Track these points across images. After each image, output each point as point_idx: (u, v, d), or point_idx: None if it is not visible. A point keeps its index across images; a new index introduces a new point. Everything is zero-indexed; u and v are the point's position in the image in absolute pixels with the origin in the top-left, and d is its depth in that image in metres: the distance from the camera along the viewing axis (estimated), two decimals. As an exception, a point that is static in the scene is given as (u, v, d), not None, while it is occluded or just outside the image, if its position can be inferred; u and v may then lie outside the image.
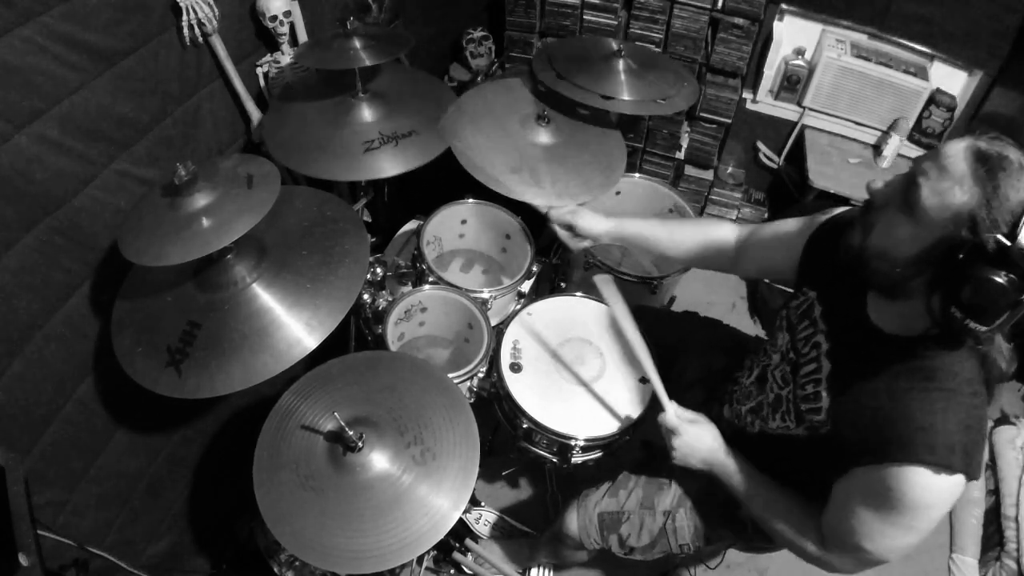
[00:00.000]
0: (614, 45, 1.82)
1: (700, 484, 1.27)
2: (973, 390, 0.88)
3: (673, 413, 1.19)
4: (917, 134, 2.21)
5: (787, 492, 1.10)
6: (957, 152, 0.80)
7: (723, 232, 1.33)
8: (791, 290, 1.17)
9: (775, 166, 2.51)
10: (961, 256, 0.77)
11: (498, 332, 1.53)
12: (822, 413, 1.01)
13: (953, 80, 2.15)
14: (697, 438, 1.18)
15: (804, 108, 2.29)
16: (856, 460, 0.93)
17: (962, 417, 0.86)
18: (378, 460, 1.08)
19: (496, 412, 1.53)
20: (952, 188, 0.78)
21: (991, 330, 0.79)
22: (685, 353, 1.51)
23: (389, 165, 1.44)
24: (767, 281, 2.40)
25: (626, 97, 1.72)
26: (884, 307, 0.94)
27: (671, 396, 1.21)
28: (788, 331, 1.13)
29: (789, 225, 1.20)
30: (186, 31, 1.28)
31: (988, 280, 0.75)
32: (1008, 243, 0.74)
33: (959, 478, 0.85)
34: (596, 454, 1.45)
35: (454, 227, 1.85)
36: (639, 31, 2.21)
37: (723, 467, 1.15)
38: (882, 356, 0.93)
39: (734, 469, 1.14)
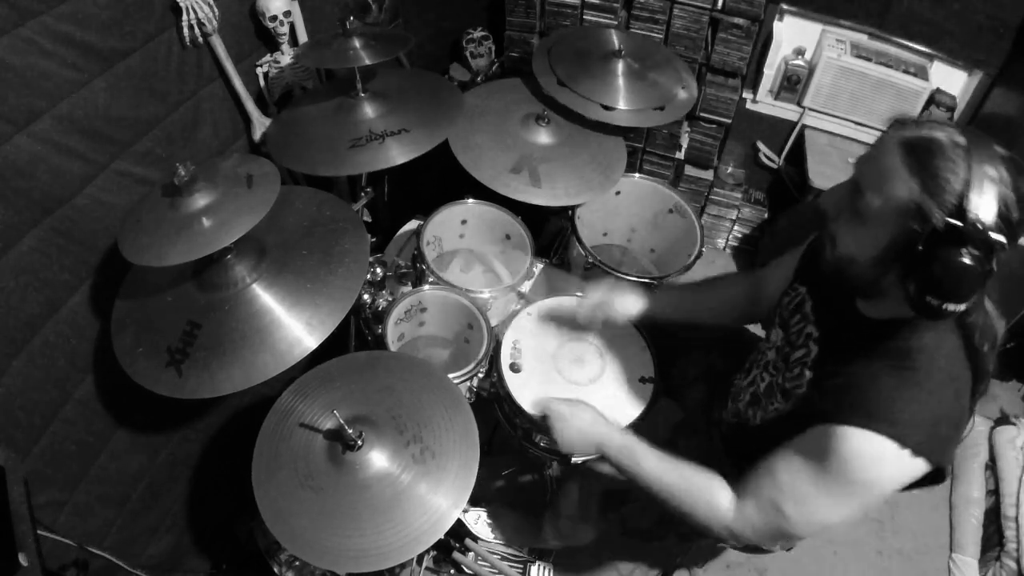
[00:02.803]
0: (616, 42, 1.82)
1: None
2: (947, 375, 0.87)
3: (542, 397, 1.18)
4: (917, 134, 2.21)
5: (686, 460, 1.06)
6: (887, 149, 0.81)
7: (738, 281, 1.37)
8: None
9: (775, 166, 2.51)
10: (920, 247, 0.78)
11: (498, 332, 1.53)
12: (804, 387, 1.02)
13: (953, 80, 2.15)
14: (573, 415, 1.16)
15: (804, 108, 2.29)
16: (815, 419, 0.91)
17: (932, 401, 0.84)
18: (377, 459, 1.08)
19: (496, 412, 1.52)
20: (890, 185, 0.79)
21: (972, 304, 0.80)
22: (687, 350, 1.51)
23: (378, 160, 1.43)
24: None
25: (624, 106, 1.72)
26: (871, 304, 0.95)
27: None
28: (782, 327, 1.14)
29: (794, 252, 1.22)
30: (186, 31, 1.28)
31: (952, 262, 0.76)
32: (959, 223, 0.75)
33: (918, 462, 0.83)
34: (596, 454, 1.45)
35: (454, 227, 1.85)
36: (639, 31, 2.21)
37: (609, 438, 1.11)
38: (868, 338, 0.93)
39: (622, 439, 1.10)
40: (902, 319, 0.88)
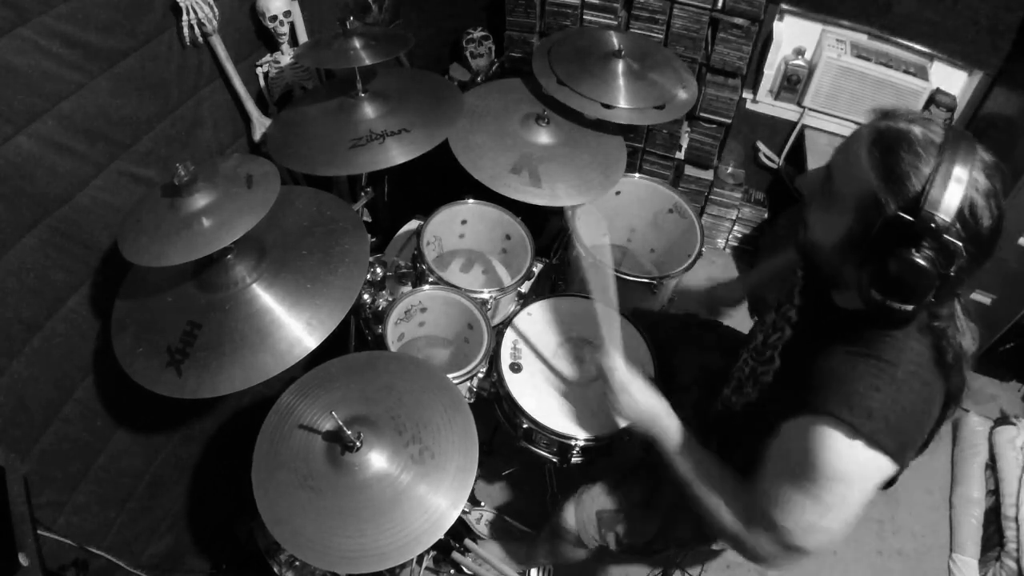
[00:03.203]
0: (615, 43, 1.82)
1: None
2: (914, 371, 0.83)
3: (623, 367, 1.15)
4: (917, 134, 2.21)
5: (724, 464, 1.04)
6: (860, 136, 0.80)
7: None
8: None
9: (775, 166, 2.51)
10: (871, 239, 0.76)
11: (498, 332, 1.54)
12: (770, 375, 1.02)
13: (953, 80, 2.15)
14: (641, 392, 1.13)
15: (804, 108, 2.29)
16: (783, 415, 0.89)
17: (891, 392, 0.81)
18: (376, 459, 1.08)
19: (496, 412, 1.53)
20: (854, 172, 0.79)
21: (919, 309, 0.77)
22: (683, 353, 1.51)
23: (378, 160, 1.42)
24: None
25: (625, 105, 1.72)
26: (841, 294, 0.94)
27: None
28: (776, 310, 1.14)
29: None
30: (186, 31, 1.28)
31: (897, 257, 0.74)
32: (910, 219, 0.72)
33: (878, 456, 0.80)
34: (596, 454, 1.45)
35: (454, 227, 1.85)
36: (639, 31, 2.21)
37: (662, 425, 1.10)
38: (837, 326, 0.91)
39: (675, 429, 1.09)
40: (869, 316, 0.85)
